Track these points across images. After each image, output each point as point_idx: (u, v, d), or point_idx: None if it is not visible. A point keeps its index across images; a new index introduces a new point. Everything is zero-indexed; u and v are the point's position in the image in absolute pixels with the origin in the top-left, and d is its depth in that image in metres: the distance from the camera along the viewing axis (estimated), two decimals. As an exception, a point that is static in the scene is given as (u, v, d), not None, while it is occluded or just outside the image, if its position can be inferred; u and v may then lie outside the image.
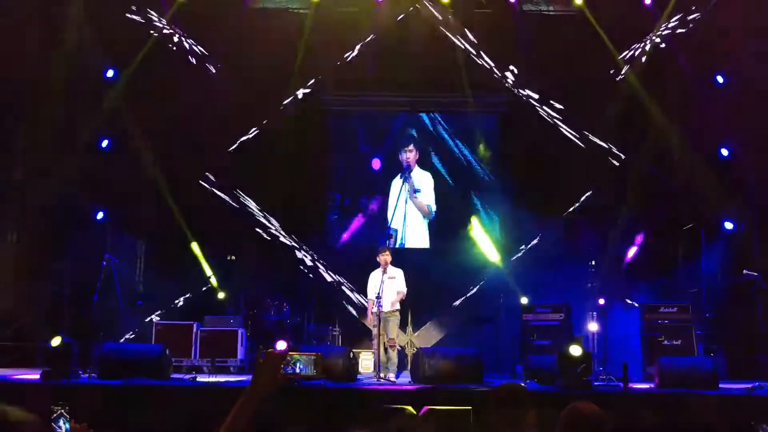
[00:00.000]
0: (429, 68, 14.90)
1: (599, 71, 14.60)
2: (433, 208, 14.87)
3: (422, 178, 14.99)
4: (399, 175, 15.02)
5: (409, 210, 14.77)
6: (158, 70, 14.49)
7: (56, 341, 9.32)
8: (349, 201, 15.19)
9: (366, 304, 11.78)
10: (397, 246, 14.36)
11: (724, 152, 13.95)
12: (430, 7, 15.07)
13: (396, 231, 14.67)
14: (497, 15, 14.95)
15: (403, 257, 12.72)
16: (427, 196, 14.94)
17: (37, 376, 9.08)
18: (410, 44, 14.99)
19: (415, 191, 14.95)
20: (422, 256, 14.40)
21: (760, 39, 13.34)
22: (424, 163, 15.15)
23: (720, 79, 14.03)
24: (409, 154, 15.02)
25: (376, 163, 15.18)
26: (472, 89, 15.07)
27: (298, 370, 3.47)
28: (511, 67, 15.03)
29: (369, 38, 15.05)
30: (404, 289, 11.08)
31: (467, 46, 15.07)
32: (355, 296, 14.42)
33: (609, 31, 14.52)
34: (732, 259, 13.37)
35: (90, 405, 7.89)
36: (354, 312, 14.29)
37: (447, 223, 14.87)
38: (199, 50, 15.04)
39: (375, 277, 11.09)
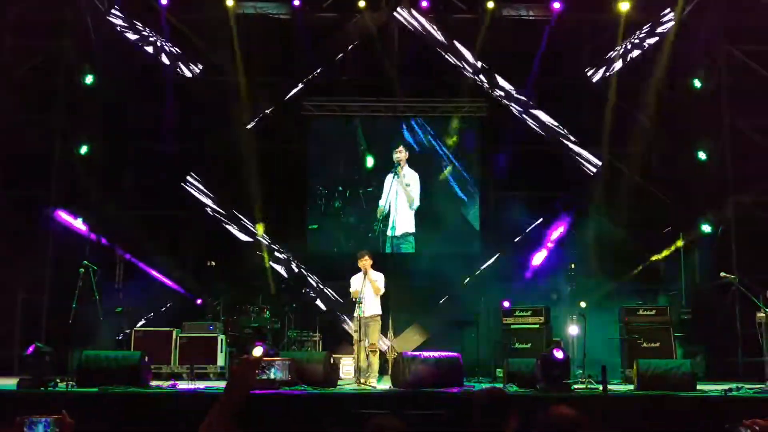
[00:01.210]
0: (410, 73, 15.00)
1: (578, 76, 14.74)
2: (416, 202, 15.03)
3: (411, 176, 15.06)
4: (392, 172, 15.02)
5: (400, 201, 14.84)
6: (139, 76, 14.48)
7: (32, 349, 9.23)
8: (329, 204, 15.22)
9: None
10: (388, 230, 14.76)
11: (702, 155, 14.06)
12: (409, 13, 15.12)
13: (385, 218, 14.91)
14: (477, 20, 15.03)
15: (386, 262, 12.72)
16: (414, 192, 15.09)
17: (14, 385, 9.00)
18: (391, 50, 15.07)
19: (406, 184, 15.11)
20: (404, 261, 14.43)
21: (737, 43, 13.51)
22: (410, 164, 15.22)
23: (697, 83, 14.15)
24: (399, 155, 15.02)
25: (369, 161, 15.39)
26: (452, 94, 15.18)
27: (273, 376, 3.46)
28: (491, 72, 15.10)
29: (350, 44, 15.11)
30: (383, 288, 11.00)
31: (447, 51, 15.13)
32: (335, 297, 14.47)
33: (588, 36, 14.65)
34: (710, 262, 13.48)
35: (68, 413, 7.81)
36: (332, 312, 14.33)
37: (430, 228, 14.91)
38: (180, 55, 15.00)
39: (356, 282, 11.07)
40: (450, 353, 10.02)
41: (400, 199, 14.89)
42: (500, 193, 15.13)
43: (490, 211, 15.06)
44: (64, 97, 13.73)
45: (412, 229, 15.03)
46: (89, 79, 14.10)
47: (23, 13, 13.44)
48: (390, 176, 14.94)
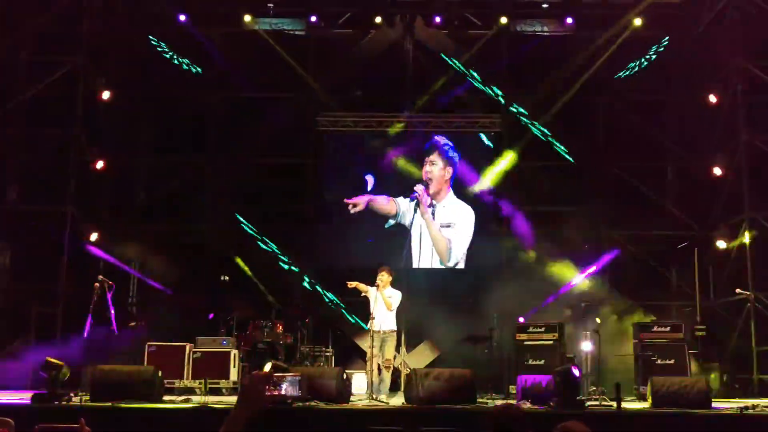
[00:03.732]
0: (424, 88, 15.03)
1: (593, 90, 14.75)
2: (460, 252, 13.68)
3: (456, 211, 14.22)
4: (410, 197, 13.86)
5: (425, 239, 13.80)
6: (153, 90, 14.59)
7: (47, 364, 9.27)
8: (344, 219, 15.19)
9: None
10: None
11: (717, 171, 13.99)
12: (424, 29, 15.17)
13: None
14: (491, 36, 15.07)
15: (399, 277, 12.65)
16: (459, 233, 13.66)
17: (28, 399, 9.03)
18: (405, 65, 15.13)
19: (444, 225, 13.90)
20: (417, 276, 14.35)
21: (752, 58, 13.46)
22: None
23: (713, 98, 14.10)
24: (432, 167, 14.12)
25: (369, 181, 15.04)
26: (466, 109, 15.18)
27: (283, 391, 3.46)
28: (506, 86, 15.11)
29: (365, 59, 15.18)
30: (395, 305, 10.86)
31: (461, 66, 15.16)
32: (351, 317, 14.42)
33: (603, 51, 14.65)
34: (725, 279, 13.39)
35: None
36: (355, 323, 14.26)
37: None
38: (196, 70, 15.13)
39: (370, 291, 10.98)
40: (462, 369, 9.99)
41: (425, 242, 13.74)
42: (515, 207, 15.04)
43: (504, 225, 14.98)
44: (81, 111, 13.82)
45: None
46: (105, 94, 14.20)
47: (40, 27, 13.55)
48: (406, 203, 14.15)
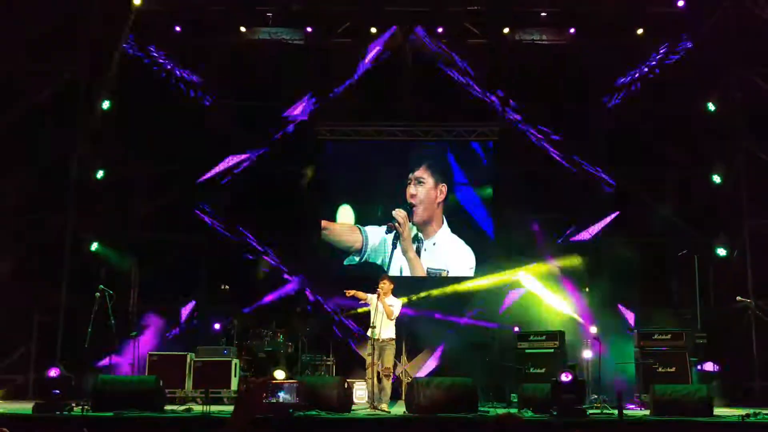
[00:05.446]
0: (423, 97, 15.05)
1: (592, 99, 14.78)
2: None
3: (451, 252, 13.27)
4: (386, 228, 13.20)
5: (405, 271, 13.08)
6: (154, 101, 14.61)
7: (53, 372, 9.28)
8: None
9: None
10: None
11: (717, 178, 14.01)
12: (424, 38, 15.20)
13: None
14: (491, 45, 15.11)
15: (400, 285, 12.64)
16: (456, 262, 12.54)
17: (30, 409, 9.03)
18: (405, 73, 15.15)
19: (433, 272, 12.75)
20: (418, 285, 14.35)
21: (751, 66, 13.50)
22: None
23: (711, 106, 14.12)
24: (419, 188, 13.29)
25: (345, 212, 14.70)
26: (466, 117, 15.21)
27: (281, 399, 3.47)
28: (505, 95, 15.14)
29: (364, 68, 15.20)
30: (396, 314, 10.83)
31: (461, 75, 15.19)
32: (351, 324, 14.40)
33: (602, 60, 14.68)
34: (725, 286, 13.40)
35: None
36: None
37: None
38: (195, 80, 15.15)
39: (370, 299, 10.96)
40: (464, 378, 9.99)
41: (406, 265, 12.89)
42: (512, 215, 15.00)
43: (501, 233, 14.97)
44: (80, 121, 13.83)
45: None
46: (106, 104, 14.22)
47: (41, 37, 13.56)
48: (380, 233, 13.57)
